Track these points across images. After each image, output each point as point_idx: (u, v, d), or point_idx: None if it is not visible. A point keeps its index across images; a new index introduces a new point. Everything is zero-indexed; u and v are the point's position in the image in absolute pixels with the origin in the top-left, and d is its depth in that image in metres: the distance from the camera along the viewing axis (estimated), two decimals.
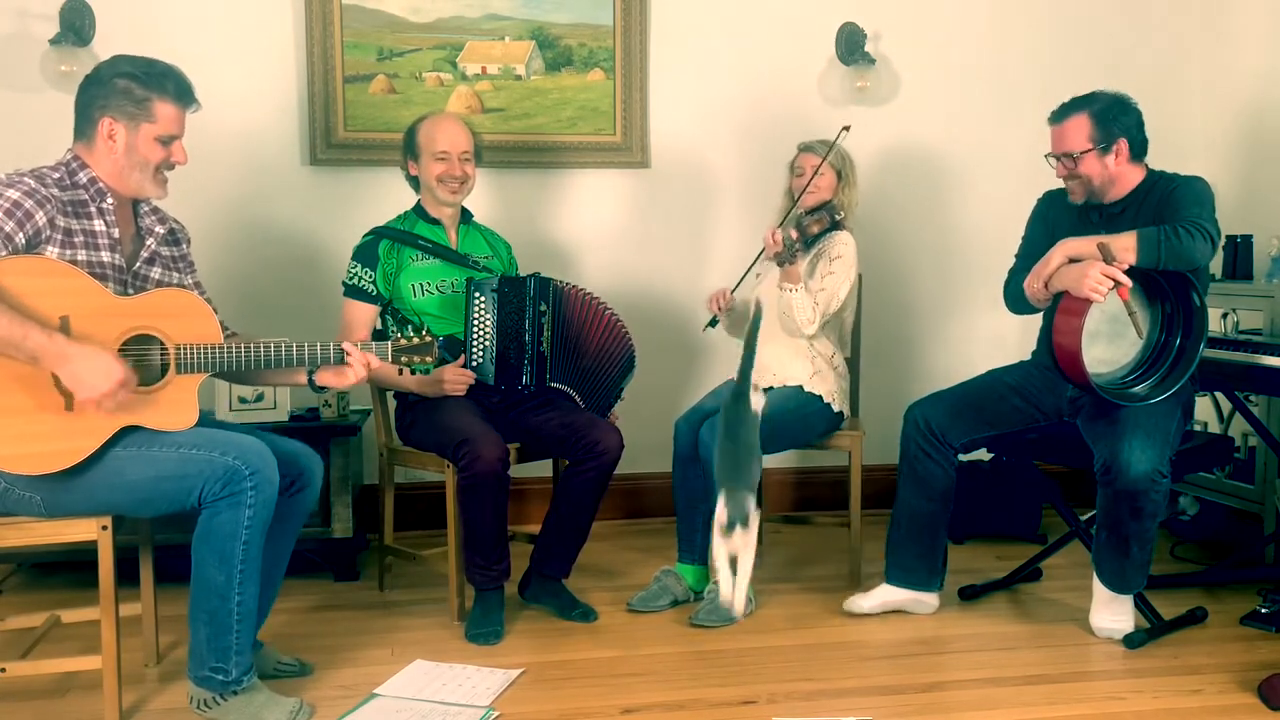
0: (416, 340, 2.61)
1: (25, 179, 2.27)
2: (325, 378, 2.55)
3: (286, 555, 2.61)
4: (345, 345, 2.51)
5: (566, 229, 3.97)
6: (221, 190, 3.68)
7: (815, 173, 3.25)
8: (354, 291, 3.11)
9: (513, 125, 3.88)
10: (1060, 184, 3.03)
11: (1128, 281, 2.65)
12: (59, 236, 2.28)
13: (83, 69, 3.45)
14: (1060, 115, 2.94)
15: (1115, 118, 2.88)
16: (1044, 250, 2.83)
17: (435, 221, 3.20)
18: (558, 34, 3.88)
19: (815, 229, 3.15)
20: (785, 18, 4.02)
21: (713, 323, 3.31)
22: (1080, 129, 2.88)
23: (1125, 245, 2.68)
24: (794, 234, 3.09)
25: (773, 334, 3.31)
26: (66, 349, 2.18)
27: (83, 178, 2.36)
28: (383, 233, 3.15)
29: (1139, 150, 2.93)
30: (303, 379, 2.58)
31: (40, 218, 2.25)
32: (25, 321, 2.16)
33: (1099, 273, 2.64)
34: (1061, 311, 2.75)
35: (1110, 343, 2.81)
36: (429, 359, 2.62)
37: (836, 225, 3.24)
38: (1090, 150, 2.87)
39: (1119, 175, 2.91)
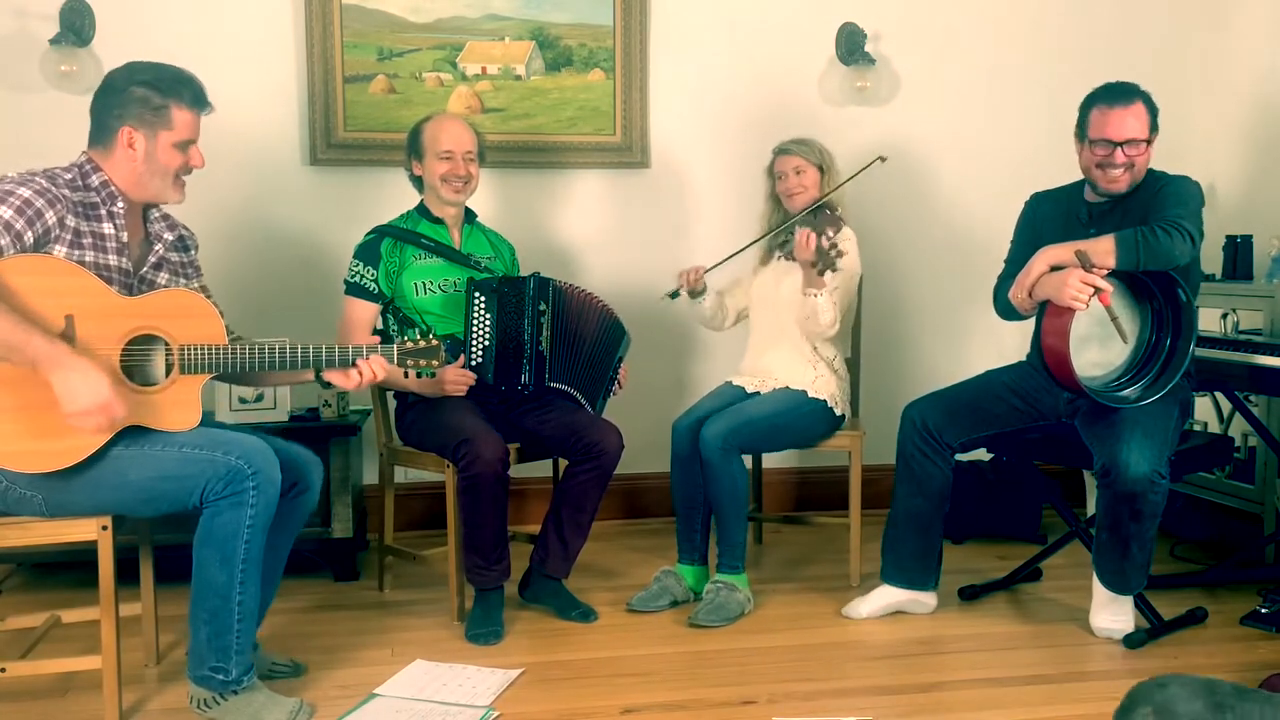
0: (423, 344, 2.62)
1: (37, 178, 2.28)
2: (332, 376, 2.55)
3: (284, 558, 2.61)
4: (361, 357, 2.50)
5: (566, 229, 3.97)
6: (222, 190, 3.67)
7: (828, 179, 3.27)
8: (356, 290, 3.11)
9: (512, 125, 3.88)
10: (1050, 178, 3.02)
11: (1108, 287, 2.65)
12: (68, 237, 2.28)
13: (83, 69, 3.49)
14: (1125, 97, 2.82)
15: (1156, 114, 2.87)
16: (1031, 255, 2.83)
17: (438, 221, 3.20)
18: (558, 34, 3.88)
19: (832, 231, 3.10)
20: (785, 18, 4.02)
21: (674, 294, 3.31)
22: (1141, 116, 2.82)
23: (1104, 249, 2.67)
24: (825, 240, 3.03)
25: (775, 338, 3.32)
26: (66, 358, 2.17)
27: (95, 180, 2.37)
28: (385, 231, 3.15)
29: None
30: (309, 376, 2.58)
31: (50, 217, 2.25)
32: (30, 327, 2.15)
33: (1079, 280, 2.64)
34: (1047, 319, 2.75)
35: (1102, 345, 2.81)
36: (434, 363, 2.62)
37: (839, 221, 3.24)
38: (1149, 140, 2.83)
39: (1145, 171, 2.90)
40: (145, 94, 2.36)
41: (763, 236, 3.35)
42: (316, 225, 3.77)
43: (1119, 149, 2.81)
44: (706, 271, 3.31)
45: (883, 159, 3.27)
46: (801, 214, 3.23)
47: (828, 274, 3.06)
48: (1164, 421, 2.79)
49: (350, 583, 3.41)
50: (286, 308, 3.71)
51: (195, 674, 2.39)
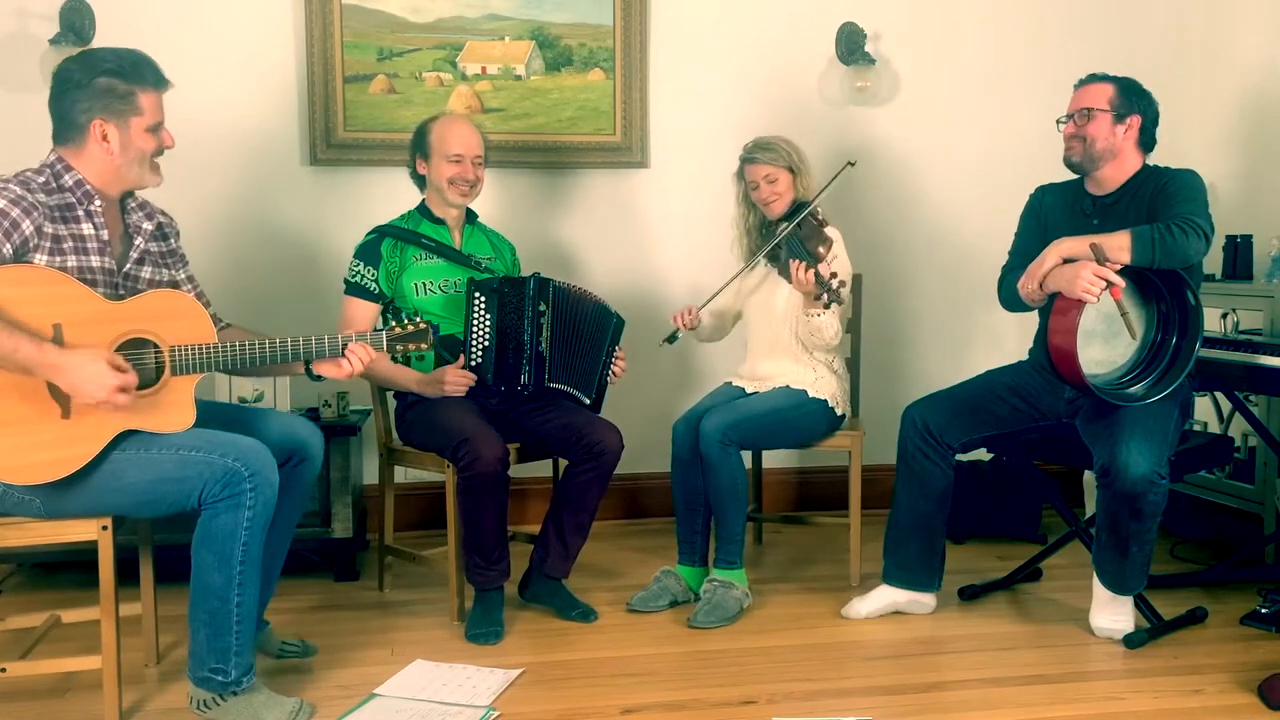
0: (411, 328, 2.59)
1: (11, 186, 2.25)
2: (323, 368, 2.55)
3: (289, 535, 2.61)
4: (351, 345, 2.50)
5: (566, 229, 3.97)
6: (222, 190, 3.68)
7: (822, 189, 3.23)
8: (356, 289, 3.11)
9: (512, 125, 3.88)
10: (1052, 179, 3.03)
11: (1120, 282, 2.65)
12: (46, 244, 2.26)
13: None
14: (1088, 80, 2.97)
15: (1137, 97, 2.91)
16: (1037, 247, 2.83)
17: (440, 221, 3.20)
18: (558, 34, 3.88)
19: (824, 249, 3.05)
20: (785, 18, 4.02)
21: (672, 338, 3.28)
22: (1103, 92, 2.91)
23: (1119, 244, 2.68)
24: (825, 269, 2.97)
25: (773, 348, 3.30)
26: (59, 359, 2.16)
27: (69, 180, 2.34)
28: (386, 231, 3.14)
29: (1147, 141, 2.94)
30: (300, 369, 2.57)
31: (27, 226, 2.23)
32: (15, 333, 2.14)
33: (1091, 273, 2.64)
34: (1056, 312, 2.75)
35: (1106, 343, 2.81)
36: (424, 346, 2.59)
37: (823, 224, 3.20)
38: (1106, 112, 2.88)
39: (1121, 151, 2.90)
40: (110, 83, 2.32)
41: (752, 263, 3.29)
42: (316, 225, 3.77)
43: (1070, 120, 2.93)
44: (701, 308, 3.29)
45: (852, 164, 3.21)
46: (784, 228, 3.13)
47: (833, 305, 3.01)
48: (1164, 421, 2.79)
49: (350, 583, 3.41)
50: (286, 307, 3.71)
51: (195, 675, 2.39)
